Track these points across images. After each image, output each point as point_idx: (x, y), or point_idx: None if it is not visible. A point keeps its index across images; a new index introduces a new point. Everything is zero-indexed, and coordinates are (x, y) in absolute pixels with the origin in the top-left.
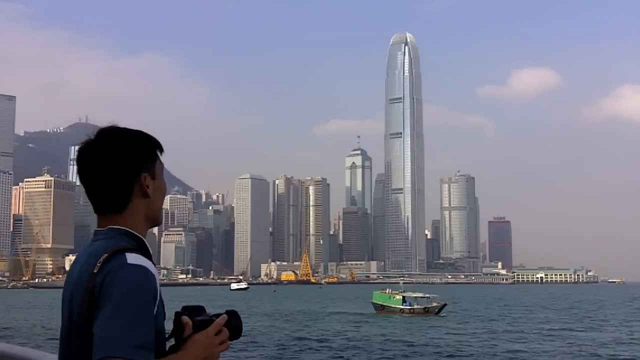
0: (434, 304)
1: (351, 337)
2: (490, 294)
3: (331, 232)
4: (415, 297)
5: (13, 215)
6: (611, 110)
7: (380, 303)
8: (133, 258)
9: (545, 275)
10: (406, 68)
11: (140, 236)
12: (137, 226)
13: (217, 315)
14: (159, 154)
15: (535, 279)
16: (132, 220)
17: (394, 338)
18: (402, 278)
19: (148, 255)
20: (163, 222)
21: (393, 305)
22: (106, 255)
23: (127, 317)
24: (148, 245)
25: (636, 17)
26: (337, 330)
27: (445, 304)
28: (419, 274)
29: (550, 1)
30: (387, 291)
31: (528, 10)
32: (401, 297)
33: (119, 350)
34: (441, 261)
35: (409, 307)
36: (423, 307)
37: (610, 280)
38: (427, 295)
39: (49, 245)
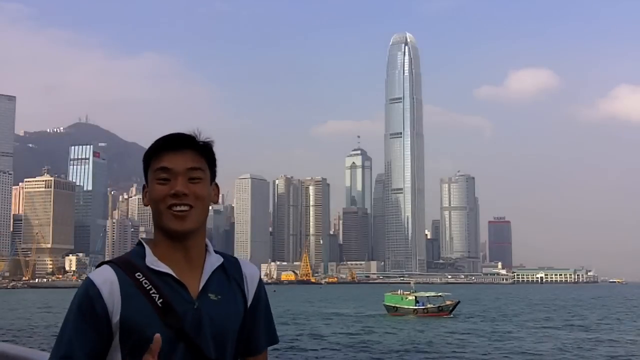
0: (447, 303)
1: (375, 341)
2: (506, 294)
3: (331, 232)
4: (428, 296)
5: (13, 215)
6: (609, 111)
7: (393, 305)
8: (96, 272)
9: (545, 275)
10: (406, 68)
11: (145, 244)
12: (155, 235)
13: None
14: (154, 159)
15: (535, 279)
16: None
17: (419, 340)
18: (402, 278)
19: (129, 265)
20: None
21: (406, 307)
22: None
23: (60, 329)
24: (147, 251)
25: (632, 18)
26: (357, 333)
27: (459, 302)
28: (419, 274)
29: (547, 2)
30: (398, 292)
31: (526, 11)
32: (414, 298)
33: (52, 356)
34: (441, 261)
35: (423, 307)
36: (437, 306)
37: (611, 280)
38: (440, 294)
39: (49, 245)
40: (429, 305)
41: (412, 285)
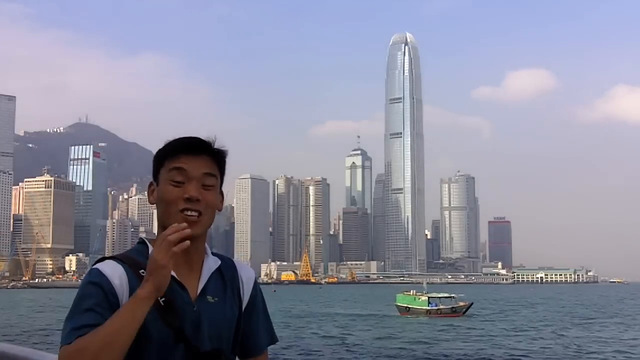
0: (461, 304)
1: (400, 343)
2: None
3: (331, 232)
4: (440, 297)
5: (13, 215)
6: (606, 111)
7: (405, 305)
8: (102, 263)
9: (545, 275)
10: (406, 68)
11: (147, 242)
12: (158, 234)
13: None
14: (169, 159)
15: (535, 279)
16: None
17: (442, 342)
18: (402, 278)
19: (133, 262)
20: None
21: (419, 307)
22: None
23: (69, 311)
24: (150, 251)
25: (629, 18)
26: (377, 334)
27: (472, 303)
28: (419, 274)
29: (545, 3)
30: (411, 292)
31: (524, 12)
32: (426, 298)
33: (62, 338)
34: (441, 261)
35: (436, 308)
36: (450, 307)
37: (611, 280)
38: (453, 295)
39: (49, 245)
40: (441, 306)
41: (424, 286)
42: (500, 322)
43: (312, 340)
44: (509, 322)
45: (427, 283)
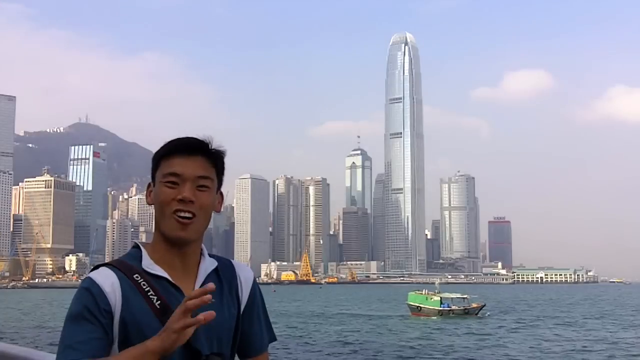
0: (474, 305)
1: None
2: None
3: (331, 232)
4: (452, 297)
5: (13, 215)
6: (605, 111)
7: (417, 305)
8: (96, 271)
9: (545, 275)
10: (406, 68)
11: (141, 246)
12: (155, 235)
13: None
14: (164, 160)
15: (535, 279)
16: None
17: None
18: (402, 278)
19: (127, 267)
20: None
21: (431, 307)
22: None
23: (64, 324)
24: (143, 254)
25: (626, 18)
26: (389, 334)
27: (484, 304)
28: (419, 274)
29: (543, 4)
30: (423, 292)
31: (522, 12)
32: (439, 298)
33: (57, 353)
34: (441, 261)
35: (448, 309)
36: (462, 308)
37: (611, 280)
38: (465, 295)
39: (49, 245)
40: (454, 307)
41: (436, 286)
42: (514, 322)
43: (313, 340)
44: (524, 322)
45: (427, 283)
